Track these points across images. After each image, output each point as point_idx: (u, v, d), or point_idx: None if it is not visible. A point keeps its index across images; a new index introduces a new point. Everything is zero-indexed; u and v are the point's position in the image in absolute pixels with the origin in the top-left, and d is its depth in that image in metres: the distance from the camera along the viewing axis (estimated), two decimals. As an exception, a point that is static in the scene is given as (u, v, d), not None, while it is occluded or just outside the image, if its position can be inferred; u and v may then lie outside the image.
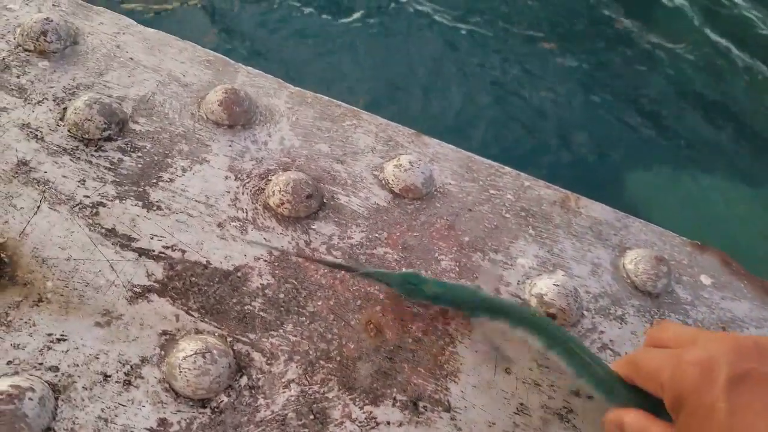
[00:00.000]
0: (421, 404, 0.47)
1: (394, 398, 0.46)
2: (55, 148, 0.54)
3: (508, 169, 0.64)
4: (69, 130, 0.55)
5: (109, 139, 0.56)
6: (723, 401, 0.35)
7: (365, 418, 0.45)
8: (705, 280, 0.60)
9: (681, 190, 2.04)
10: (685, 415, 0.37)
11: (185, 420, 0.43)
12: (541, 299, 0.53)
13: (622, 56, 2.35)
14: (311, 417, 0.44)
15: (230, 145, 0.58)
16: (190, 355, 0.43)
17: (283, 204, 0.54)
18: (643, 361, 0.43)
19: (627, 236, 0.61)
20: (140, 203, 0.52)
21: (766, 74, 2.34)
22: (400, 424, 0.45)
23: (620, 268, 0.58)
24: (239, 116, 0.59)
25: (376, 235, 0.55)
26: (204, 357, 0.43)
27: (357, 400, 0.46)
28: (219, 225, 0.52)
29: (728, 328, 0.57)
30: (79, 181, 0.52)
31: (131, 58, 0.62)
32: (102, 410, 0.42)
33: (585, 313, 0.54)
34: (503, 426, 0.47)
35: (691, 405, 0.37)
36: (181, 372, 0.43)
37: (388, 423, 0.45)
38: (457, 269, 0.55)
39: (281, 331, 0.48)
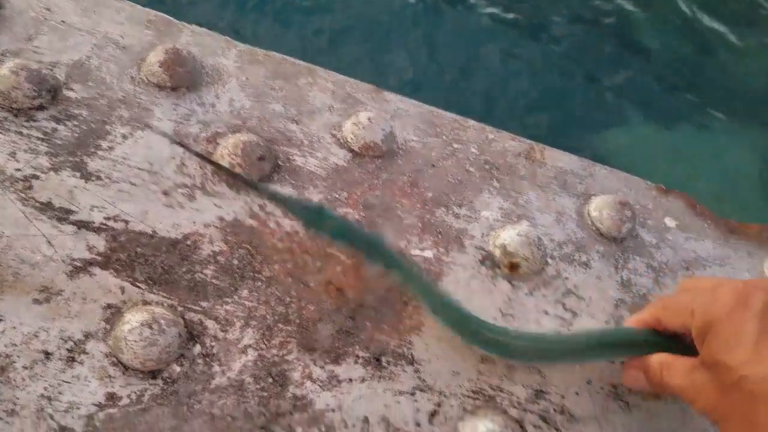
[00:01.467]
0: (384, 359, 0.45)
1: (357, 356, 0.45)
2: (-18, 119, 0.50)
3: (472, 122, 0.62)
4: (-3, 100, 0.52)
5: (40, 108, 0.52)
6: (754, 323, 0.35)
7: (327, 377, 0.43)
8: (669, 222, 0.59)
9: (654, 143, 2.06)
10: (711, 337, 0.37)
11: (135, 392, 0.40)
12: (504, 249, 0.52)
13: (593, 12, 2.33)
14: (270, 380, 0.43)
15: (175, 109, 0.55)
16: (136, 327, 0.41)
17: (233, 167, 0.51)
18: (674, 297, 0.43)
19: (592, 184, 0.60)
20: (78, 174, 0.49)
21: (735, 30, 2.35)
22: (363, 380, 0.44)
23: (585, 215, 0.57)
24: (183, 78, 0.56)
25: (336, 195, 0.53)
26: (150, 328, 0.41)
27: (318, 360, 0.44)
28: (164, 193, 0.50)
29: (692, 268, 0.57)
30: (9, 154, 0.49)
31: (63, 21, 0.58)
32: (45, 389, 0.39)
33: (549, 260, 0.53)
34: (467, 375, 0.46)
35: (720, 327, 0.36)
36: (127, 345, 0.40)
37: (350, 380, 0.44)
38: (420, 225, 0.53)
39: (236, 297, 0.46)
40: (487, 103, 2.01)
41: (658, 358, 0.42)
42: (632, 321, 0.46)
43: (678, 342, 0.42)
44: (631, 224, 0.56)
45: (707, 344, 0.37)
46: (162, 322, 0.42)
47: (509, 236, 0.52)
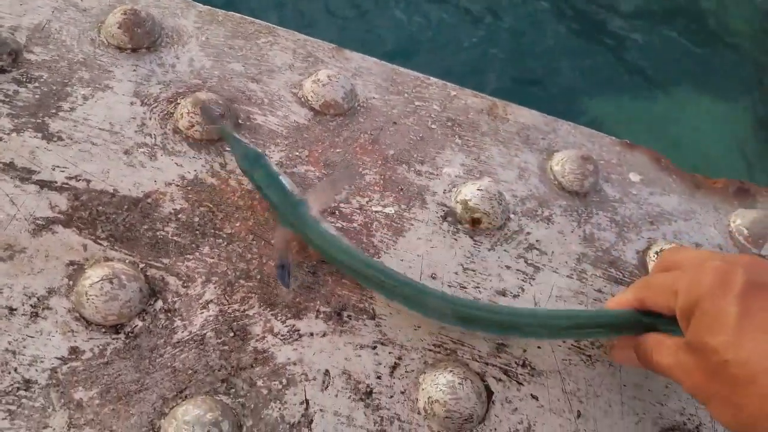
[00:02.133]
0: (345, 314, 0.47)
1: (318, 310, 0.46)
2: (-61, 82, 0.51)
3: (434, 79, 0.62)
4: (-46, 63, 0.52)
5: (2, 70, 0.52)
6: (735, 305, 0.35)
7: (288, 331, 0.45)
8: (633, 177, 0.60)
9: (635, 114, 2.06)
10: (695, 318, 0.37)
11: (98, 346, 0.42)
12: (465, 205, 0.53)
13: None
14: (231, 334, 0.44)
15: (135, 70, 0.55)
16: (97, 282, 0.42)
17: (193, 126, 0.51)
18: (657, 277, 0.44)
19: (555, 139, 0.61)
20: (39, 135, 0.50)
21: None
22: (324, 334, 0.45)
23: (547, 170, 0.58)
24: (142, 38, 0.56)
25: (297, 153, 0.54)
26: (111, 282, 0.42)
27: (279, 315, 0.45)
28: (126, 152, 0.50)
29: (656, 222, 0.58)
30: (-33, 115, 0.49)
31: (19, -17, 0.58)
32: (9, 343, 0.41)
33: (511, 216, 0.54)
34: (428, 328, 0.47)
35: (703, 307, 0.37)
36: (88, 299, 0.42)
37: (312, 334, 0.45)
38: (382, 182, 0.54)
39: (197, 254, 0.47)
40: (469, 75, 1.99)
41: (647, 338, 0.42)
42: (615, 302, 0.46)
43: (663, 321, 0.43)
44: (594, 178, 0.57)
45: (692, 326, 0.37)
46: (123, 277, 0.43)
47: (470, 192, 0.53)
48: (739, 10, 2.29)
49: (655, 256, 0.55)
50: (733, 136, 2.05)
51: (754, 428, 0.33)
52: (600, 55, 2.14)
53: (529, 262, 0.53)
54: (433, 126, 0.59)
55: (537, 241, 0.54)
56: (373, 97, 0.59)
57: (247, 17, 0.61)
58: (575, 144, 0.61)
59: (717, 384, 0.35)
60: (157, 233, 0.47)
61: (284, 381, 0.43)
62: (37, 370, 0.40)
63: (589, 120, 1.93)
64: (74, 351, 0.41)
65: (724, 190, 0.62)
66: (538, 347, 0.48)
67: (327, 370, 0.44)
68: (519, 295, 0.50)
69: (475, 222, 0.53)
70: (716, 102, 2.11)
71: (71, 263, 0.44)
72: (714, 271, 0.38)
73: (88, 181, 0.48)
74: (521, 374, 0.47)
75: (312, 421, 0.42)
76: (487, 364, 0.47)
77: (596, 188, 0.58)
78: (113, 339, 0.42)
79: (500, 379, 0.47)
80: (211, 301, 0.45)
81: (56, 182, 0.48)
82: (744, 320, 0.35)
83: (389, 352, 0.46)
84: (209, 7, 0.61)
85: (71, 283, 0.44)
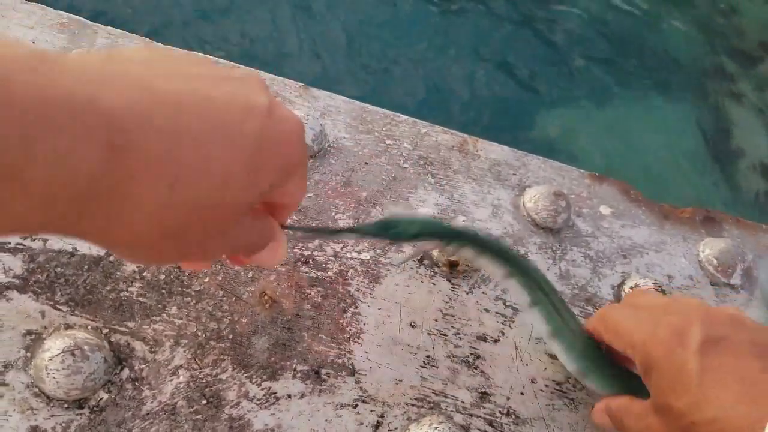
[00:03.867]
0: (323, 371, 0.46)
1: (295, 369, 0.45)
2: None
3: (403, 117, 0.62)
4: None
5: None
6: (694, 362, 0.35)
7: (264, 395, 0.44)
8: (604, 210, 0.61)
9: (595, 122, 2.11)
10: (655, 380, 0.38)
11: (61, 425, 0.40)
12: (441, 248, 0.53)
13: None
14: (204, 402, 0.42)
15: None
16: (57, 354, 0.40)
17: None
18: (614, 318, 0.43)
19: (526, 174, 0.61)
20: (-13, 192, 0.47)
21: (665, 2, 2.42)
22: (302, 395, 0.44)
23: (521, 207, 0.59)
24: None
25: (266, 200, 0.53)
26: (73, 354, 0.40)
27: (254, 377, 0.44)
28: (84, 207, 0.48)
29: (629, 256, 0.59)
30: None
31: (-39, 26, 0.55)
32: (-40, 428, 0.38)
33: (488, 257, 0.55)
34: (410, 381, 0.47)
35: (663, 366, 0.37)
36: (48, 374, 0.40)
37: (289, 396, 0.44)
38: (356, 225, 0.53)
39: (164, 315, 0.45)
40: (414, 97, 2.01)
41: (616, 402, 0.43)
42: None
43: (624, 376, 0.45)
44: (567, 214, 0.58)
45: (654, 386, 0.38)
46: (85, 347, 0.41)
47: (446, 234, 0.53)
48: (688, 19, 2.39)
49: (630, 290, 0.56)
50: (678, 146, 2.13)
51: None
52: (543, 64, 2.19)
53: (507, 303, 0.53)
54: (405, 165, 0.58)
55: (514, 281, 0.54)
56: (344, 137, 0.59)
57: (209, 57, 0.60)
58: (545, 179, 0.61)
59: None
60: (121, 294, 0.45)
61: (262, 446, 0.42)
62: (-7, 455, 0.38)
63: (538, 135, 1.98)
64: (35, 430, 0.39)
65: (692, 219, 0.64)
66: (521, 393, 0.49)
67: None
68: (499, 340, 0.50)
69: (452, 265, 0.53)
70: (663, 112, 2.19)
71: (28, 333, 0.42)
72: (670, 328, 0.38)
73: (45, 240, 0.46)
74: (506, 424, 0.47)
75: (293, 489, 0.41)
76: (471, 415, 0.47)
77: (569, 224, 0.59)
78: (77, 415, 0.40)
79: (485, 431, 0.46)
80: (181, 366, 0.43)
81: (9, 243, 0.45)
82: (705, 377, 0.35)
83: (371, 410, 0.45)
84: (168, 47, 0.59)
85: (29, 355, 0.41)
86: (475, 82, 2.09)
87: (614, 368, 0.46)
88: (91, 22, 0.60)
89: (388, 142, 0.60)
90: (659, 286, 0.55)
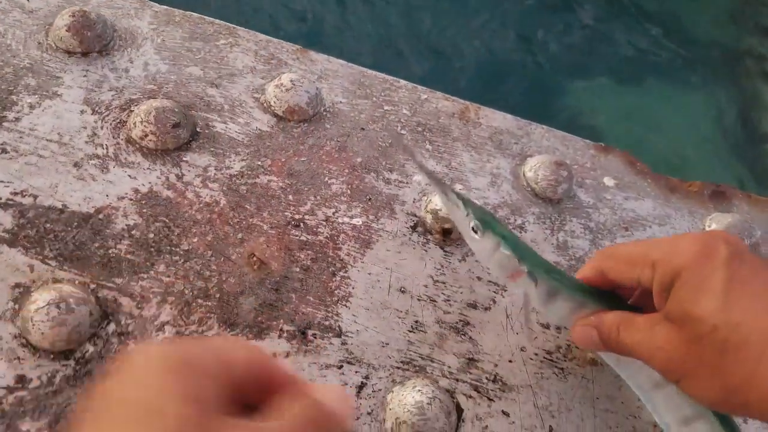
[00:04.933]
0: (310, 332, 0.46)
1: (281, 329, 0.46)
2: None
3: (403, 82, 0.62)
4: None
5: (-61, 77, 0.51)
6: (723, 271, 0.35)
7: (248, 353, 0.44)
8: (608, 181, 0.60)
9: (620, 101, 2.07)
10: (677, 289, 0.36)
11: (46, 374, 0.41)
12: (435, 215, 0.52)
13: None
14: (188, 358, 0.43)
15: (85, 76, 0.53)
16: (43, 307, 0.41)
17: (147, 136, 0.50)
18: (624, 248, 0.42)
19: (528, 144, 0.61)
20: (-19, 147, 0.48)
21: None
22: (288, 355, 0.45)
23: (521, 176, 0.58)
24: (93, 42, 0.54)
25: (259, 162, 0.53)
26: (58, 307, 0.41)
27: (240, 335, 0.45)
28: (75, 165, 0.49)
29: (631, 228, 0.58)
30: None
31: (-42, -18, 0.56)
32: (-52, 374, 0.39)
33: (483, 225, 0.54)
34: (397, 345, 0.47)
35: (686, 277, 0.36)
36: (34, 325, 0.40)
37: (274, 355, 0.44)
38: (349, 192, 0.53)
39: (152, 272, 0.46)
40: (438, 72, 1.98)
41: (614, 315, 0.41)
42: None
43: (617, 300, 0.42)
44: (568, 185, 0.57)
45: (674, 295, 0.36)
46: (71, 300, 0.42)
47: (440, 201, 0.53)
48: (711, 5, 2.32)
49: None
50: (705, 129, 2.08)
51: (739, 393, 0.33)
52: (574, 48, 2.15)
53: (501, 272, 0.53)
54: (402, 131, 0.58)
55: (509, 250, 0.54)
56: (340, 102, 0.58)
57: (206, 17, 0.60)
58: (549, 148, 0.61)
59: (701, 353, 0.35)
60: (109, 251, 0.46)
61: (246, 404, 0.43)
62: (-20, 402, 0.39)
63: (561, 113, 1.94)
64: (21, 379, 0.40)
65: (700, 193, 0.63)
66: (510, 360, 0.48)
67: (291, 391, 0.44)
68: (490, 308, 0.50)
69: (445, 232, 0.52)
70: (687, 96, 2.14)
71: (17, 285, 0.43)
72: (696, 240, 0.37)
73: (35, 197, 0.47)
74: (492, 390, 0.47)
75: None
76: (457, 380, 0.47)
77: (570, 194, 0.58)
78: (62, 366, 0.41)
79: (470, 396, 0.46)
80: (167, 322, 0.44)
81: (0, 198, 0.46)
82: (732, 285, 0.34)
83: (356, 371, 0.45)
84: (166, 6, 0.60)
85: (17, 307, 0.42)
86: (498, 57, 2.06)
87: (612, 295, 0.44)
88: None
89: (386, 107, 0.59)
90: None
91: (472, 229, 0.43)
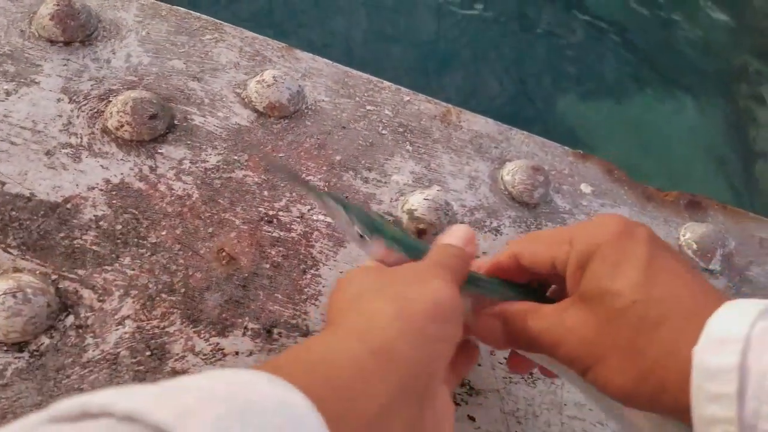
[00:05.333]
0: (276, 331, 0.41)
1: (246, 327, 0.41)
2: None
3: (387, 83, 0.57)
4: None
5: None
6: (643, 249, 0.30)
7: (210, 350, 0.39)
8: (585, 188, 0.55)
9: (617, 117, 2.02)
10: (594, 264, 0.31)
11: (-4, 367, 0.36)
12: (411, 215, 0.48)
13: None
14: (148, 353, 0.38)
15: (65, 65, 0.49)
16: (-4, 297, 0.36)
17: (122, 126, 0.45)
18: (542, 232, 0.37)
19: (508, 148, 0.56)
20: (-48, 132, 0.43)
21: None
22: (251, 353, 0.40)
23: (498, 180, 0.53)
24: (76, 31, 0.49)
25: (235, 157, 0.48)
26: (14, 297, 0.36)
27: (202, 332, 0.40)
28: (47, 153, 0.44)
29: (606, 236, 0.53)
30: None
31: (-57, -33, 0.51)
32: None
33: (459, 227, 0.49)
34: (364, 348, 0.42)
35: (607, 250, 0.31)
36: (-14, 316, 0.36)
37: (237, 353, 0.40)
38: (326, 189, 0.48)
39: (117, 265, 0.41)
40: (432, 83, 1.93)
41: (521, 304, 0.34)
42: (485, 264, 0.38)
43: (529, 292, 0.36)
44: (544, 189, 0.52)
45: (591, 271, 0.31)
46: (28, 290, 0.37)
47: (417, 201, 0.48)
48: (706, 19, 2.26)
49: (604, 270, 0.50)
50: (703, 139, 2.02)
51: (655, 375, 0.27)
52: (570, 59, 2.09)
53: (475, 275, 0.48)
54: (383, 131, 0.53)
55: (483, 253, 0.49)
56: (323, 100, 0.53)
57: (193, 12, 0.55)
58: (528, 153, 0.56)
59: (615, 334, 0.29)
60: (75, 242, 0.41)
61: (208, 402, 0.38)
62: (-74, 393, 0.34)
63: (555, 128, 1.89)
64: (-30, 372, 0.35)
65: (676, 203, 0.58)
66: (478, 365, 0.44)
67: (255, 390, 0.39)
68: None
69: (420, 232, 0.48)
70: (686, 105, 2.08)
71: (-25, 273, 0.38)
72: (616, 219, 0.33)
73: (3, 184, 0.42)
74: (459, 394, 0.42)
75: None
76: (424, 384, 0.42)
77: (546, 199, 0.53)
78: (15, 358, 0.36)
79: (438, 400, 0.42)
80: (128, 316, 0.39)
81: (-34, 184, 0.41)
82: (653, 262, 0.30)
83: (321, 372, 0.41)
84: (153, 0, 0.55)
85: (-27, 295, 0.38)
86: (496, 71, 2.00)
87: (527, 288, 0.37)
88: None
89: (368, 107, 0.54)
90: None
91: (360, 235, 0.36)
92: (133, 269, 0.41)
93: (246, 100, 0.51)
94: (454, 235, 0.36)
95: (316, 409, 0.19)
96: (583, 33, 2.17)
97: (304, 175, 0.48)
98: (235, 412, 0.17)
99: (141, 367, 0.38)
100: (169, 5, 0.55)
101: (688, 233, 0.55)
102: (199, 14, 0.55)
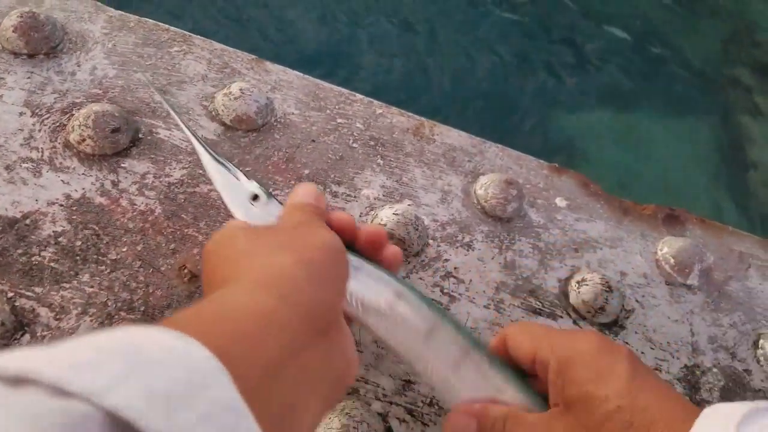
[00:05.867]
0: (237, 350, 0.41)
1: (206, 346, 0.41)
2: None
3: (359, 96, 0.57)
4: None
5: None
6: (626, 361, 0.32)
7: (168, 371, 0.39)
8: (560, 202, 0.56)
9: (610, 130, 2.03)
10: (579, 369, 0.32)
11: (-55, 389, 0.36)
12: (379, 231, 0.48)
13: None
14: (103, 374, 0.38)
15: (29, 77, 0.49)
16: (-55, 316, 0.36)
17: (84, 140, 0.46)
18: (531, 324, 0.40)
19: (482, 162, 0.56)
20: None
21: (690, 14, 2.32)
22: (210, 374, 0.40)
23: (471, 194, 0.54)
24: (39, 43, 0.50)
25: (200, 171, 0.48)
26: (-36, 317, 0.36)
27: (161, 351, 0.40)
28: (7, 168, 0.44)
29: (581, 250, 0.54)
30: None
31: None
32: None
33: (430, 241, 0.50)
34: (327, 366, 0.42)
35: (589, 360, 0.33)
36: (-65, 336, 0.36)
37: (196, 373, 0.40)
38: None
39: (75, 282, 0.41)
40: (429, 94, 1.94)
41: (501, 408, 0.34)
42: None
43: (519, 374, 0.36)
44: (518, 203, 0.53)
45: (575, 378, 0.32)
46: (-20, 310, 0.37)
47: (386, 216, 0.48)
48: (701, 32, 2.29)
49: (577, 285, 0.50)
50: (696, 151, 2.04)
51: None
52: (563, 74, 2.11)
53: (445, 291, 0.48)
54: (354, 145, 0.54)
55: (455, 268, 0.49)
56: (293, 113, 0.54)
57: (161, 24, 0.55)
58: (502, 167, 0.56)
59: None
60: (32, 258, 0.41)
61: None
62: None
63: (551, 141, 1.90)
64: None
65: (653, 216, 0.59)
66: (448, 384, 0.44)
67: (216, 410, 0.39)
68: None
69: (389, 248, 0.48)
70: (679, 122, 2.10)
71: (-73, 292, 0.38)
72: (598, 334, 0.35)
73: (-40, 199, 0.42)
74: (427, 414, 0.42)
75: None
76: (390, 403, 0.42)
77: (520, 213, 0.53)
78: (-35, 379, 0.36)
79: (404, 420, 0.42)
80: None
81: None
82: (635, 374, 0.32)
83: (283, 392, 0.41)
84: (121, 12, 0.55)
85: (-76, 314, 0.38)
86: (490, 83, 2.01)
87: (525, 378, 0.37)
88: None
89: (339, 120, 0.55)
90: (606, 282, 0.50)
91: (254, 196, 0.39)
92: (92, 287, 0.41)
93: (213, 113, 0.51)
94: (302, 193, 0.38)
95: (217, 360, 0.20)
96: (576, 46, 2.19)
97: (271, 190, 0.49)
98: (133, 364, 0.17)
99: (96, 388, 0.38)
100: (137, 17, 0.55)
101: (666, 247, 0.56)
102: (167, 26, 0.55)
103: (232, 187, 0.39)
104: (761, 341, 0.52)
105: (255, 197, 0.39)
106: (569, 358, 0.33)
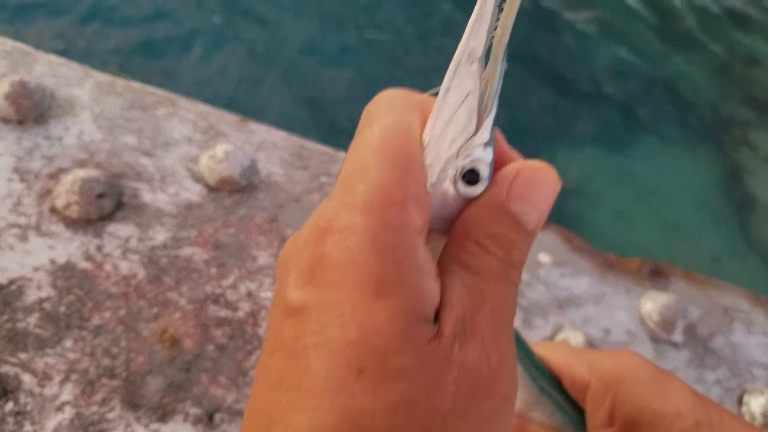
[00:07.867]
0: (217, 416, 0.45)
1: (187, 413, 0.44)
2: None
3: (343, 154, 0.62)
4: None
5: None
6: (675, 376, 0.33)
7: (149, 437, 0.43)
8: (543, 257, 0.60)
9: (608, 167, 2.09)
10: (634, 384, 0.33)
11: (-70, 458, 0.39)
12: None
13: (542, 32, 2.36)
14: (84, 441, 0.42)
15: (19, 143, 0.54)
16: (-68, 386, 0.40)
17: (70, 206, 0.50)
18: (553, 344, 0.39)
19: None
20: None
21: (684, 52, 2.42)
22: (190, 440, 0.43)
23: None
24: (29, 110, 0.55)
25: (184, 233, 0.52)
26: (-50, 386, 0.40)
27: (142, 418, 0.43)
28: (-6, 234, 0.48)
29: (564, 306, 0.58)
30: None
31: None
32: None
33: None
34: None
35: (643, 371, 0.33)
36: None
37: (176, 439, 0.43)
38: (276, 265, 0.53)
39: (59, 348, 0.45)
40: None
41: None
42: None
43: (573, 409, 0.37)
44: (500, 261, 0.57)
45: (628, 395, 0.32)
46: (-34, 379, 0.41)
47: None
48: (704, 66, 2.38)
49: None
50: (695, 188, 2.09)
51: None
52: (561, 108, 2.18)
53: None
54: (336, 203, 0.58)
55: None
56: (277, 173, 0.58)
57: (149, 87, 0.61)
58: (484, 223, 0.60)
59: None
60: (18, 324, 0.45)
61: (146, 490, 0.41)
62: None
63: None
64: None
65: (637, 271, 0.63)
66: None
67: (196, 476, 0.42)
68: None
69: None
70: (677, 158, 2.16)
71: None
72: (638, 353, 0.35)
73: (-52, 267, 0.46)
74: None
75: None
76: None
77: (502, 271, 0.57)
78: (-51, 448, 0.40)
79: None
80: (68, 402, 0.43)
81: None
82: (692, 389, 0.32)
83: (263, 457, 0.44)
84: (111, 77, 0.60)
85: None
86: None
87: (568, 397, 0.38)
88: (34, 50, 0.61)
89: (323, 179, 0.60)
90: (590, 341, 0.54)
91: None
92: (75, 352, 0.45)
93: (198, 175, 0.56)
94: None
95: None
96: (572, 77, 2.27)
97: (254, 252, 0.53)
98: None
99: (77, 456, 0.41)
100: (126, 81, 0.60)
101: (649, 303, 0.59)
102: (154, 89, 0.61)
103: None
104: (745, 397, 0.55)
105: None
106: (619, 375, 0.33)
